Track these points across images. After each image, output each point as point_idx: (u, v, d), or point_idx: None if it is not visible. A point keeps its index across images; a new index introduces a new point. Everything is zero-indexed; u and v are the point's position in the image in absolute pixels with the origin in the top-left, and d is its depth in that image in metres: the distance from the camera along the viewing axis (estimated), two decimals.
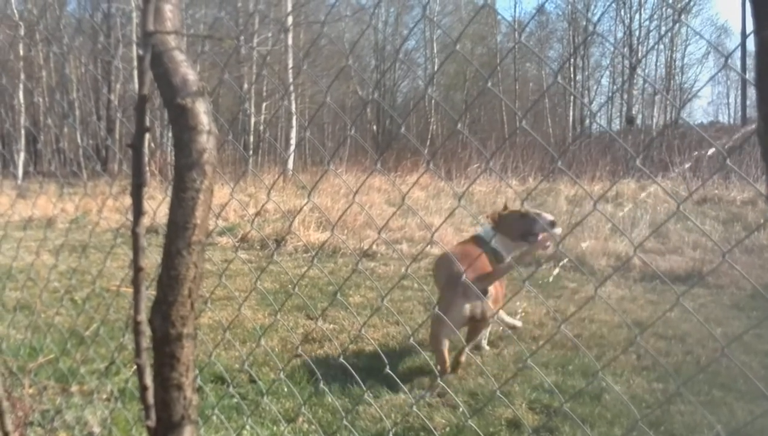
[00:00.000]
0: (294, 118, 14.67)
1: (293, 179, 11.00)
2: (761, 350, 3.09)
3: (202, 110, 0.99)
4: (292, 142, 14.42)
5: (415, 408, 1.75)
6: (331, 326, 3.69)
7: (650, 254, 5.43)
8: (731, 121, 26.88)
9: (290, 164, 13.68)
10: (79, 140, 17.50)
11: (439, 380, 2.44)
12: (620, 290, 4.54)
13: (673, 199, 1.81)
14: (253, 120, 17.33)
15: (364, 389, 2.56)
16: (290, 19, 14.32)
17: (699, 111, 30.16)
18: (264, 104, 17.92)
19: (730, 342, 2.52)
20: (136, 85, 1.00)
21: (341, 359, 2.91)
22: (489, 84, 1.25)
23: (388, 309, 3.79)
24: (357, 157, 14.59)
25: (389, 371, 1.70)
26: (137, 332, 0.96)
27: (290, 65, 14.24)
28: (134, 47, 15.90)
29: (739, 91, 24.04)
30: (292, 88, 13.52)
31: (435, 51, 23.64)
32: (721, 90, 29.41)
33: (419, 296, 4.35)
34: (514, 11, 25.60)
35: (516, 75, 24.37)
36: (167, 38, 1.04)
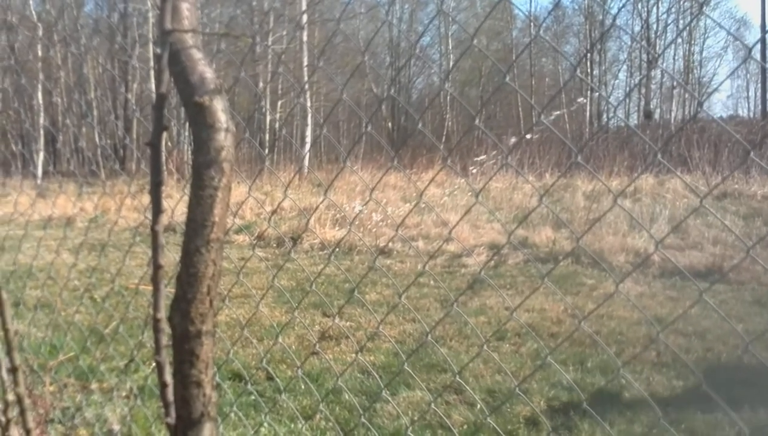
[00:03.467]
0: (309, 115, 14.71)
1: (309, 177, 11.04)
2: None
3: (219, 108, 0.99)
4: (308, 140, 14.46)
5: (433, 406, 1.74)
6: (348, 323, 3.70)
7: (670, 250, 5.34)
8: (751, 114, 26.31)
9: (306, 162, 13.73)
10: (97, 140, 17.74)
11: (457, 377, 2.43)
12: (639, 286, 4.48)
13: (696, 194, 1.78)
14: (268, 118, 17.41)
15: (382, 386, 2.55)
16: (305, 17, 14.35)
17: (718, 105, 29.52)
18: (279, 102, 18.00)
19: (753, 339, 2.47)
20: (153, 85, 1.00)
21: (358, 357, 2.92)
22: (507, 78, 1.23)
23: (405, 306, 3.78)
24: (372, 154, 14.58)
25: (407, 368, 1.69)
26: (157, 330, 0.96)
27: (305, 63, 14.27)
28: (151, 47, 16.07)
29: (759, 85, 23.57)
30: (307, 86, 13.55)
31: (450, 47, 23.53)
32: (740, 83, 28.76)
33: (436, 293, 4.34)
34: (530, 6, 25.36)
35: (532, 70, 24.14)
36: (185, 36, 1.04)
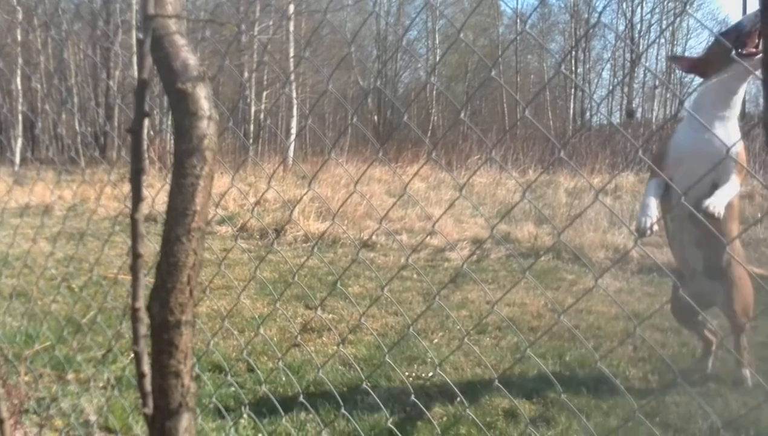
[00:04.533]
0: (295, 107, 14.61)
1: (293, 169, 10.98)
2: (755, 341, 3.10)
3: (202, 95, 0.98)
4: (293, 131, 14.37)
5: (413, 398, 1.76)
6: (330, 315, 3.69)
7: (648, 247, 5.42)
8: None
9: (291, 153, 13.65)
10: (77, 127, 17.41)
11: (438, 370, 2.44)
12: (618, 281, 4.55)
13: (676, 191, 1.81)
14: (253, 109, 17.24)
15: (363, 378, 2.56)
16: (291, 7, 14.21)
17: None
18: (264, 93, 17.83)
19: (728, 334, 2.52)
20: (136, 71, 0.98)
21: (340, 349, 2.92)
22: (493, 73, 1.24)
23: (388, 299, 3.79)
24: (357, 147, 14.57)
25: (388, 361, 1.70)
26: (135, 319, 0.95)
27: (291, 54, 14.15)
28: (134, 33, 15.79)
29: None
30: (293, 76, 13.44)
31: (437, 42, 23.53)
32: None
33: (418, 286, 4.36)
34: (517, 3, 25.46)
35: (517, 67, 24.27)
36: (168, 22, 1.03)
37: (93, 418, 2.13)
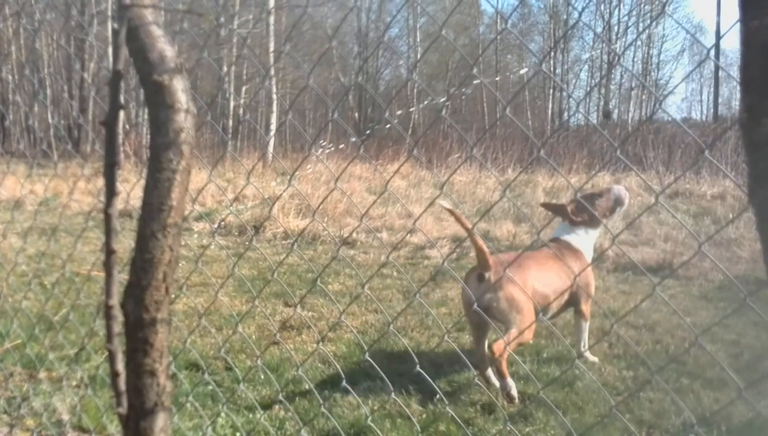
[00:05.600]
0: (275, 102, 14.47)
1: (273, 165, 10.89)
2: (727, 339, 3.18)
3: (179, 88, 0.96)
4: (273, 127, 14.25)
5: (393, 395, 1.75)
6: (310, 313, 3.67)
7: (623, 246, 5.52)
8: (704, 117, 27.54)
9: (270, 149, 13.53)
10: (50, 119, 16.98)
11: (417, 367, 2.44)
12: (594, 280, 4.60)
13: (651, 190, 1.86)
14: (232, 103, 17.02)
15: (342, 376, 2.55)
16: (272, 2, 14.07)
17: (673, 107, 30.84)
18: (244, 88, 17.64)
19: (703, 332, 2.58)
20: (111, 63, 0.96)
21: (319, 347, 2.90)
22: (474, 70, 1.24)
23: (368, 297, 3.78)
24: (338, 144, 14.49)
25: (368, 358, 1.69)
26: (109, 317, 0.92)
27: (271, 48, 14.02)
28: (109, 25, 15.43)
29: (712, 89, 24.68)
30: (273, 71, 13.31)
31: (418, 40, 23.57)
32: (694, 87, 30.10)
33: (398, 284, 4.36)
34: (498, 2, 25.67)
35: (497, 67, 24.45)
36: (144, 12, 1.00)
37: (66, 417, 2.08)
